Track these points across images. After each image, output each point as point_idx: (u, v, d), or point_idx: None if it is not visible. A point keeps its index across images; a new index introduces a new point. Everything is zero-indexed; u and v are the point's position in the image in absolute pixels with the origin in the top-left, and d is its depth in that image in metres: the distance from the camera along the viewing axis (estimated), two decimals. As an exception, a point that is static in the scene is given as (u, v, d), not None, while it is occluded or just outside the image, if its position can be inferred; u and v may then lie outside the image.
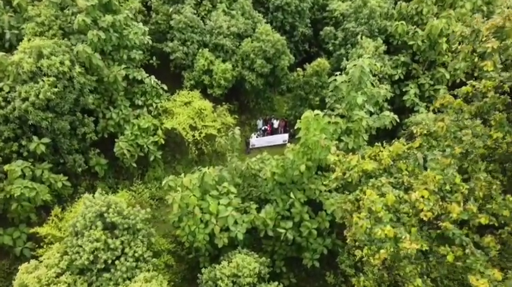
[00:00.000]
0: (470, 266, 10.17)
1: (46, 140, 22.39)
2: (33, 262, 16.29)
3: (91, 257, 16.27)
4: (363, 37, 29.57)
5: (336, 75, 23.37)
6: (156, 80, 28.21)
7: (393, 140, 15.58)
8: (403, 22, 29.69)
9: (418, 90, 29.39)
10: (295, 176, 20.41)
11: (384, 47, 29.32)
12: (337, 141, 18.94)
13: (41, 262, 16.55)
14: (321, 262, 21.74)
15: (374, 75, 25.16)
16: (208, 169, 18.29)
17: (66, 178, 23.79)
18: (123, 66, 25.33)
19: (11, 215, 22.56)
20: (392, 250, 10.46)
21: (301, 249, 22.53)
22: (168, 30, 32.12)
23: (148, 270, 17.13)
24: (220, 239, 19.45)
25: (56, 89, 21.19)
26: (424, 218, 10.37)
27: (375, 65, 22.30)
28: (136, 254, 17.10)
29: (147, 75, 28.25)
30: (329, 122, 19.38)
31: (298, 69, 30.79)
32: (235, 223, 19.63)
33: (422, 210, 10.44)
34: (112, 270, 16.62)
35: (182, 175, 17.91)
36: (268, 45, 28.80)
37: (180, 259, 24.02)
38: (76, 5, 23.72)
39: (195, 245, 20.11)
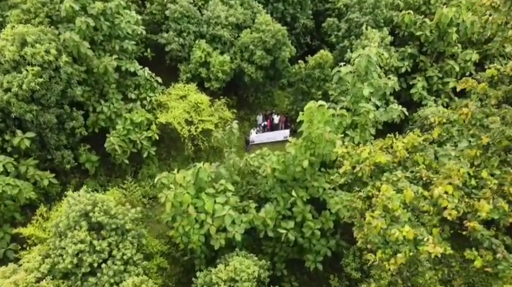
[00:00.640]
0: (501, 273, 8.90)
1: (31, 134, 21.09)
2: (11, 265, 15.02)
3: (75, 261, 14.99)
4: (368, 28, 28.24)
5: (341, 66, 22.09)
6: (150, 72, 26.89)
7: (403, 134, 14.38)
8: (410, 12, 28.37)
9: (425, 84, 28.08)
10: (297, 173, 19.14)
11: (389, 38, 28.00)
12: (342, 135, 17.65)
13: (20, 265, 15.26)
14: (324, 265, 20.53)
15: (380, 68, 23.90)
16: (203, 164, 16.99)
17: (54, 175, 22.51)
18: (115, 56, 23.99)
19: (-6, 214, 21.31)
20: (411, 254, 9.19)
21: (303, 251, 21.31)
22: (163, 21, 30.81)
23: (138, 274, 15.85)
24: (216, 240, 18.18)
25: (40, 80, 19.89)
26: (448, 217, 9.10)
27: (382, 54, 21.02)
28: (125, 257, 15.82)
29: (141, 67, 26.93)
30: (334, 115, 18.08)
31: (299, 61, 29.48)
32: (233, 223, 18.35)
33: (445, 208, 9.17)
34: (98, 274, 15.35)
35: (175, 171, 16.61)
36: (268, 36, 27.49)
37: (174, 261, 22.77)
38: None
39: (189, 246, 18.85)
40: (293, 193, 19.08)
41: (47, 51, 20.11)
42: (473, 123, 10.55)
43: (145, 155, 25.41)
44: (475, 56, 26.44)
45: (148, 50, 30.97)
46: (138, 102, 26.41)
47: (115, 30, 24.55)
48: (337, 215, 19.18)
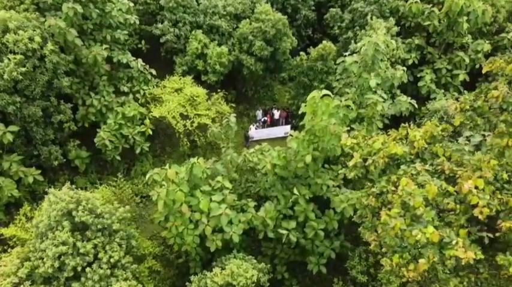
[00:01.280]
0: (540, 281, 7.73)
1: (14, 128, 19.84)
2: (-14, 270, 13.79)
3: (56, 264, 13.76)
4: (373, 18, 26.99)
5: (345, 55, 20.86)
6: (143, 64, 25.63)
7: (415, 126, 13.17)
8: (418, 1, 27.11)
9: (434, 76, 26.82)
10: (299, 169, 17.92)
11: (396, 29, 26.75)
12: (348, 129, 16.41)
13: (-3, 269, 14.05)
14: (327, 267, 19.33)
15: (386, 60, 22.64)
16: (197, 159, 15.75)
17: (39, 171, 21.25)
18: (105, 46, 22.72)
19: (-24, 214, 20.10)
20: (435, 259, 7.95)
21: (305, 252, 20.11)
22: (158, 11, 29.54)
23: (127, 279, 14.64)
24: (212, 241, 16.96)
25: (24, 69, 18.65)
26: (480, 216, 7.87)
27: (390, 43, 19.77)
28: (112, 260, 14.59)
29: (134, 58, 25.67)
30: (338, 106, 16.83)
31: (301, 53, 28.21)
32: (230, 223, 17.14)
33: (475, 205, 7.94)
34: (82, 279, 14.13)
35: (167, 166, 15.37)
36: (268, 26, 26.24)
37: (169, 264, 21.58)
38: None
39: (183, 248, 17.62)
40: (295, 191, 17.85)
41: (31, 39, 18.86)
42: (505, 108, 9.33)
43: (138, 151, 24.17)
44: (487, 47, 25.21)
45: (143, 42, 29.72)
46: (131, 96, 25.18)
47: (106, 19, 23.30)
48: (342, 214, 18.03)
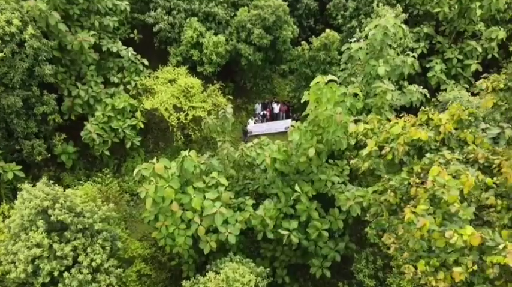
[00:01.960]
0: None
1: (-8, 119, 18.47)
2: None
3: (30, 268, 12.41)
4: (379, 4, 25.55)
5: (351, 42, 19.47)
6: (134, 53, 24.20)
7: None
8: (427, -14, 25.71)
9: (444, 67, 25.39)
10: (302, 164, 16.57)
11: (404, 16, 25.29)
12: (355, 118, 15.04)
13: (-37, 274, 12.67)
14: (331, 271, 17.99)
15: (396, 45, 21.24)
16: (189, 152, 14.35)
17: (20, 167, 19.84)
18: (92, 33, 21.29)
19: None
20: (475, 267, 6.58)
21: (307, 255, 18.78)
22: (151, -2, 28.11)
23: (110, 284, 13.27)
24: (206, 243, 15.61)
25: (1, 54, 17.21)
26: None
27: (400, 27, 18.35)
28: (93, 264, 13.22)
29: (125, 47, 24.25)
30: (345, 94, 15.42)
31: (303, 42, 26.77)
32: (226, 222, 15.78)
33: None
34: (60, 285, 12.75)
35: (155, 160, 13.97)
36: (267, 12, 24.81)
37: (161, 267, 20.26)
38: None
39: (174, 250, 16.26)
40: (296, 188, 16.49)
41: (9, 22, 17.44)
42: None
43: (128, 145, 22.75)
44: (502, 34, 23.78)
45: (135, 32, 28.25)
46: (121, 87, 23.80)
47: (93, 4, 21.90)
48: (347, 213, 16.68)
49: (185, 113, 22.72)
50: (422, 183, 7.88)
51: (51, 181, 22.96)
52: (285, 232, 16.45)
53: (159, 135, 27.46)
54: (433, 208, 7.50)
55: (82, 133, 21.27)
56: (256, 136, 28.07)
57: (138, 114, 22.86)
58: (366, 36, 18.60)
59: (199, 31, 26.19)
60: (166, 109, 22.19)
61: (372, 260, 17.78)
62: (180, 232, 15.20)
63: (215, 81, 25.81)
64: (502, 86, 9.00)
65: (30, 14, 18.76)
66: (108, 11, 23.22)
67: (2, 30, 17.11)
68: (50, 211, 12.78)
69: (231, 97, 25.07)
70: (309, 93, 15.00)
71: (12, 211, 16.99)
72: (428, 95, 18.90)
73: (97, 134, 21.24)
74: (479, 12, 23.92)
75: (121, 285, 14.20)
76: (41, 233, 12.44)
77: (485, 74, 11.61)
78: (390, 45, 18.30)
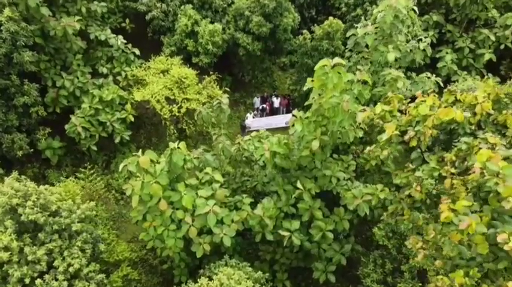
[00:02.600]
0: None
1: (-34, 110, 17.08)
2: None
3: (-3, 275, 10.98)
4: (386, -9, 24.16)
5: (357, 27, 18.09)
6: (124, 41, 22.80)
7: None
8: (437, -28, 24.36)
9: (455, 57, 24.01)
10: (304, 159, 15.20)
11: (413, 2, 23.90)
12: (364, 107, 13.63)
13: None
14: (335, 274, 16.63)
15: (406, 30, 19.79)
16: (178, 143, 12.96)
17: (-1, 163, 18.49)
18: (78, 18, 19.87)
19: None
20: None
21: (310, 257, 17.41)
22: (143, -16, 26.69)
23: (90, 292, 11.83)
24: (198, 245, 14.22)
25: (-26, 39, 15.86)
26: None
27: (412, 10, 16.95)
28: (71, 269, 11.84)
29: (114, 35, 22.84)
30: (353, 81, 14.03)
31: (304, 31, 25.36)
32: (221, 222, 14.39)
33: None
34: (32, 293, 11.33)
35: (139, 152, 12.57)
36: (267, -2, 23.41)
37: (152, 270, 18.92)
38: None
39: (164, 253, 14.88)
40: (298, 185, 15.11)
41: (-17, 3, 16.08)
42: None
43: (117, 140, 21.37)
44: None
45: (127, 21, 26.86)
46: (111, 78, 22.38)
47: (80, -12, 20.50)
48: (355, 212, 15.32)
49: (178, 105, 21.31)
50: (465, 172, 6.48)
51: (35, 178, 22.09)
52: (286, 233, 15.09)
53: (151, 131, 26.10)
54: (478, 204, 6.13)
55: (66, 126, 19.89)
56: (255, 131, 26.81)
57: (128, 106, 21.48)
58: (374, 21, 17.25)
59: (194, 19, 24.79)
60: (158, 101, 20.80)
61: (381, 263, 16.42)
62: (170, 234, 13.83)
63: (211, 73, 24.43)
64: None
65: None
66: (96, -5, 21.87)
67: (-25, 11, 15.76)
68: (20, 210, 11.41)
69: (228, 89, 23.65)
70: (312, 80, 13.59)
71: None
72: (441, 84, 17.50)
73: (83, 127, 19.86)
74: (493, -3, 22.58)
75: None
76: (10, 235, 11.06)
77: None
78: (400, 31, 16.88)
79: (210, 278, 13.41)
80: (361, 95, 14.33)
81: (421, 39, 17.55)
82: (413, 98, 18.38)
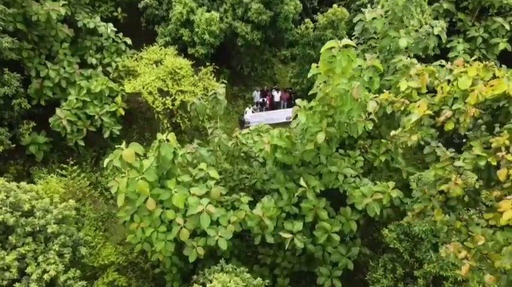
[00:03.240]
0: None
1: None
2: None
3: (-40, 284, 9.69)
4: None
5: (364, 12, 16.75)
6: (114, 29, 21.49)
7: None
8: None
9: (467, 46, 22.72)
10: (308, 153, 13.90)
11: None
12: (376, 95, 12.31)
13: None
14: (340, 279, 15.38)
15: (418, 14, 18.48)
16: (166, 135, 11.66)
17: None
18: (63, 2, 18.56)
19: None
20: None
21: (314, 261, 16.15)
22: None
23: (68, 302, 10.55)
24: (191, 249, 12.92)
25: None
26: None
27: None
28: (46, 276, 10.53)
29: (104, 23, 21.52)
30: (363, 67, 12.73)
31: (307, 20, 24.06)
32: (216, 223, 13.08)
33: None
34: (1, 304, 10.06)
35: (123, 145, 11.24)
36: (267, -16, 22.10)
37: (143, 275, 17.65)
38: None
39: (153, 257, 13.59)
40: (301, 182, 13.82)
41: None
42: None
43: (106, 135, 20.05)
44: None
45: (119, 10, 25.56)
46: (100, 69, 21.05)
47: (66, -29, 19.17)
48: (364, 212, 14.07)
49: (172, 97, 19.99)
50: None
51: (19, 176, 20.78)
52: (288, 235, 13.79)
53: (145, 126, 24.81)
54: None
55: (51, 119, 18.56)
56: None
57: (118, 99, 20.15)
58: (383, 7, 15.96)
59: (189, 7, 23.49)
60: (150, 93, 19.48)
61: (391, 268, 15.13)
62: (159, 236, 12.53)
63: (208, 64, 23.10)
64: None
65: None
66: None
67: None
68: (-14, 210, 10.14)
69: (225, 81, 22.35)
70: (317, 66, 12.28)
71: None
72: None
73: (69, 121, 18.54)
74: (508, -18, 21.26)
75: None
76: (-26, 239, 9.79)
77: None
78: (412, 15, 15.57)
79: (204, 285, 12.15)
80: (372, 83, 13.04)
81: (435, 24, 16.21)
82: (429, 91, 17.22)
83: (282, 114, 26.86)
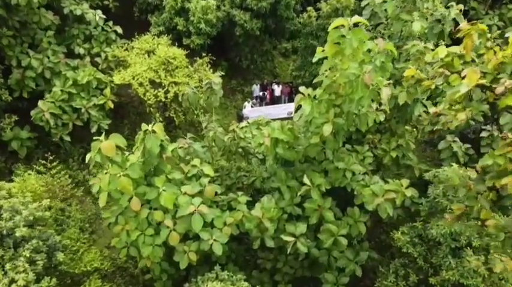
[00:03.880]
0: None
1: None
2: None
3: None
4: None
5: (372, -4, 15.51)
6: (103, 16, 20.21)
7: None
8: None
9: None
10: (312, 148, 12.65)
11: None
12: (390, 81, 11.03)
13: None
14: (347, 286, 14.14)
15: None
16: (153, 125, 10.39)
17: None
18: (46, -14, 17.34)
19: None
20: None
21: (317, 266, 14.85)
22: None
23: (39, 316, 9.27)
24: (182, 254, 11.63)
25: None
26: None
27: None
28: (14, 286, 9.20)
29: (92, 10, 20.23)
30: (374, 51, 11.43)
31: (309, 8, 22.78)
32: (210, 226, 11.81)
33: None
34: (-39, 319, 8.78)
35: (102, 136, 9.96)
36: (267, -32, 20.83)
37: (133, 281, 16.42)
38: None
39: (141, 264, 12.32)
40: (305, 180, 12.57)
41: None
42: None
43: (94, 129, 18.78)
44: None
45: (110, -1, 24.32)
46: (88, 59, 19.76)
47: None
48: (375, 213, 12.78)
49: (165, 89, 18.70)
50: None
51: (1, 174, 19.52)
52: (290, 239, 12.52)
53: (137, 121, 23.52)
54: None
55: (32, 112, 17.27)
56: (254, 122, 24.27)
57: (107, 91, 18.87)
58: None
59: (184, -6, 22.23)
60: (140, 84, 18.20)
61: (403, 274, 13.86)
62: (146, 240, 11.27)
63: (204, 55, 21.82)
64: None
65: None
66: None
67: None
68: None
69: (222, 73, 21.06)
70: (323, 50, 11.01)
71: None
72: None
73: (52, 114, 17.25)
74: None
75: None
76: None
77: None
78: (426, -3, 14.33)
79: (196, 296, 10.90)
80: (384, 69, 11.74)
81: (451, 6, 14.94)
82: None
83: (283, 110, 25.62)
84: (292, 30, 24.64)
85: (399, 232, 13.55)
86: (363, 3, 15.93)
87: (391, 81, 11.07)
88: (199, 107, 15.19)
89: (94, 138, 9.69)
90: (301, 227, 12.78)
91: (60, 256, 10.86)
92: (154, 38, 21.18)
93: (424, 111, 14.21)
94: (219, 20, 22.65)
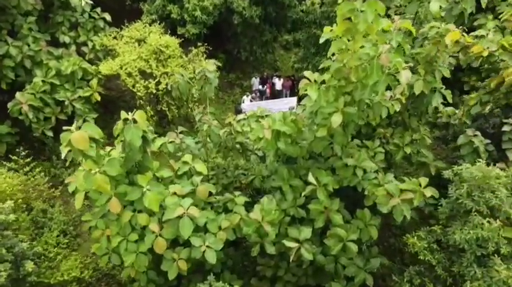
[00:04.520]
0: None
1: None
2: None
3: None
4: None
5: (384, -25, 14.08)
6: (90, 1, 18.87)
7: None
8: None
9: (497, 23, 20.17)
10: (319, 143, 11.31)
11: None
12: (409, 65, 9.68)
13: None
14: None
15: None
16: (133, 113, 9.06)
17: None
18: (25, -34, 16.00)
19: None
20: None
21: (323, 273, 13.50)
22: None
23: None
24: (171, 263, 10.29)
25: None
26: None
27: None
28: (-29, 303, 7.85)
29: (78, -4, 18.93)
30: (390, 31, 10.06)
31: (312, -6, 21.48)
32: (203, 230, 10.47)
33: None
34: None
35: (73, 126, 8.61)
36: (267, -50, 19.48)
37: (120, 289, 15.12)
38: None
39: (124, 274, 10.96)
40: (310, 179, 11.21)
41: None
42: None
43: (79, 123, 17.28)
44: None
45: (100, -14, 22.93)
46: (74, 48, 18.42)
47: None
48: (390, 216, 11.45)
49: (156, 80, 17.35)
50: None
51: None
52: (293, 245, 11.16)
53: (128, 116, 22.37)
54: None
55: (9, 104, 15.93)
56: (253, 117, 22.98)
57: (94, 82, 17.51)
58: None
59: (179, -20, 20.91)
60: (129, 74, 16.86)
61: (419, 284, 12.51)
62: (129, 246, 9.93)
63: (199, 45, 20.49)
64: None
65: None
66: None
67: None
68: None
69: (219, 64, 19.79)
70: (331, 30, 9.68)
71: None
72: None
73: (32, 106, 15.89)
74: None
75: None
76: None
77: None
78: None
79: (186, 311, 9.56)
80: (400, 52, 10.37)
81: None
82: (457, 68, 14.60)
83: (284, 104, 24.28)
84: (294, 19, 23.30)
85: (414, 237, 12.24)
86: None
87: (410, 64, 9.72)
88: (193, 99, 13.85)
89: (64, 128, 8.32)
90: (306, 232, 11.40)
91: (30, 265, 9.51)
92: (145, 26, 19.84)
93: (442, 103, 12.89)
94: (216, 7, 21.33)
